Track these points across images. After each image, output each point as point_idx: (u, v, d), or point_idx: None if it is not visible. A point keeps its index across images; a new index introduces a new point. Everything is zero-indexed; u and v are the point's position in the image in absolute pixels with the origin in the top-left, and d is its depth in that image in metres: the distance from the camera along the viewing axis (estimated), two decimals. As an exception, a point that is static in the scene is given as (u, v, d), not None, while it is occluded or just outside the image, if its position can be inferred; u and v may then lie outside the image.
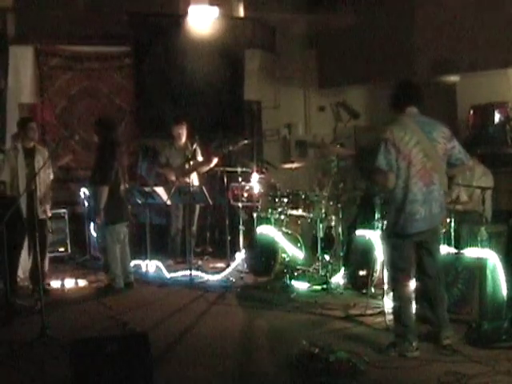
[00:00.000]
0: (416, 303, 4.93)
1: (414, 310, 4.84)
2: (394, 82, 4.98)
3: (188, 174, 7.73)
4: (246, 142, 8.28)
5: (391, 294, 4.95)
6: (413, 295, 4.84)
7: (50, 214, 6.97)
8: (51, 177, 7.02)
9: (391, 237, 4.80)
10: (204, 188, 7.60)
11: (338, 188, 7.15)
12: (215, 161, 8.08)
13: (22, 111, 9.09)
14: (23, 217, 6.52)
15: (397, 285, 4.80)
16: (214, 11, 9.60)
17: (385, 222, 5.25)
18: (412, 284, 4.82)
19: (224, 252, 8.06)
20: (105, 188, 6.77)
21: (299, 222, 7.71)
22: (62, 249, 8.63)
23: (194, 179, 8.12)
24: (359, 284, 6.53)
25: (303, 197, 7.51)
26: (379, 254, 6.10)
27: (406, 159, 4.60)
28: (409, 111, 4.76)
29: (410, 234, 4.65)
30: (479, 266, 5.28)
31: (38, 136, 7.03)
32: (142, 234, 8.09)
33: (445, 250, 5.65)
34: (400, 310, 4.75)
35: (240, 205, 8.11)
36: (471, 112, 8.70)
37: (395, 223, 4.70)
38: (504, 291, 5.18)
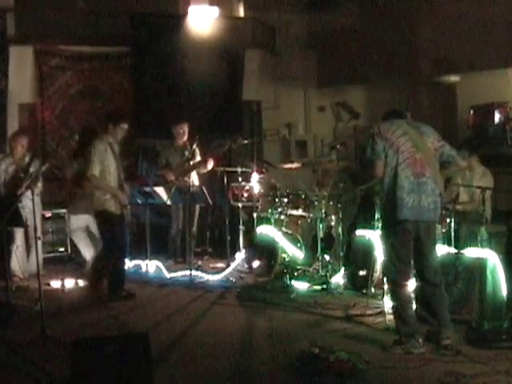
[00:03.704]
0: (416, 303, 4.93)
1: (414, 308, 4.85)
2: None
3: (186, 173, 7.72)
4: (245, 141, 8.28)
5: (390, 294, 4.95)
6: (412, 295, 4.86)
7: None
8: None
9: (386, 229, 4.82)
10: (204, 188, 7.60)
11: (338, 188, 7.16)
12: (211, 163, 8.06)
13: (22, 111, 9.10)
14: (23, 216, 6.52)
15: (395, 286, 4.79)
16: (214, 11, 9.61)
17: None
18: (410, 285, 4.83)
19: (224, 252, 8.06)
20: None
21: (299, 222, 7.71)
22: (61, 249, 8.62)
23: (194, 179, 8.11)
24: (359, 284, 6.53)
25: (303, 197, 7.51)
26: (379, 254, 6.10)
27: (394, 146, 4.68)
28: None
29: (399, 220, 4.63)
30: (479, 266, 5.28)
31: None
32: (142, 233, 8.09)
33: (445, 249, 5.66)
34: (401, 311, 4.75)
35: (240, 205, 8.12)
36: (471, 112, 8.71)
37: (387, 210, 4.72)
38: (504, 291, 5.18)
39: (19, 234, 7.31)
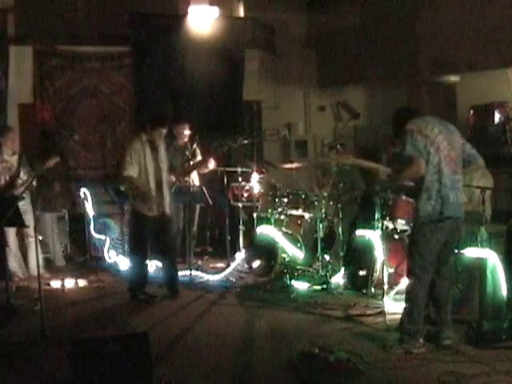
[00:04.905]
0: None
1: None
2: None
3: (187, 173, 7.71)
4: (245, 141, 8.27)
5: (407, 290, 4.91)
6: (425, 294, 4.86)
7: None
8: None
9: (425, 225, 4.72)
10: (204, 188, 7.60)
11: (338, 188, 7.15)
12: (212, 163, 8.04)
13: (22, 111, 9.10)
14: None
15: (417, 282, 4.74)
16: (214, 11, 9.61)
17: (404, 223, 5.22)
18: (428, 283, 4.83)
19: (224, 252, 8.06)
20: None
21: (299, 222, 7.70)
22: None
23: (195, 179, 8.11)
24: (359, 284, 6.52)
25: (303, 197, 7.51)
26: (379, 253, 6.10)
27: (434, 144, 4.65)
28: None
29: (444, 216, 4.63)
30: (479, 266, 5.27)
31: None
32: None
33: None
34: (413, 308, 4.74)
35: (240, 205, 8.11)
36: (471, 112, 8.72)
37: (428, 207, 4.66)
38: (504, 291, 5.16)
39: (10, 233, 7.29)
